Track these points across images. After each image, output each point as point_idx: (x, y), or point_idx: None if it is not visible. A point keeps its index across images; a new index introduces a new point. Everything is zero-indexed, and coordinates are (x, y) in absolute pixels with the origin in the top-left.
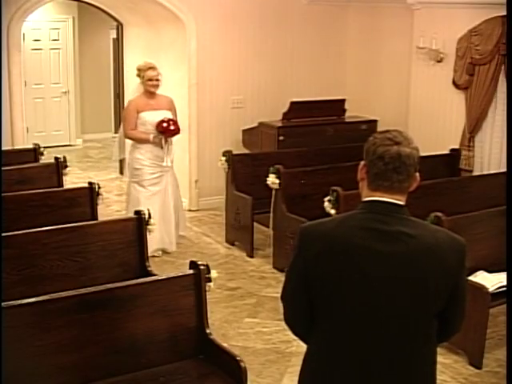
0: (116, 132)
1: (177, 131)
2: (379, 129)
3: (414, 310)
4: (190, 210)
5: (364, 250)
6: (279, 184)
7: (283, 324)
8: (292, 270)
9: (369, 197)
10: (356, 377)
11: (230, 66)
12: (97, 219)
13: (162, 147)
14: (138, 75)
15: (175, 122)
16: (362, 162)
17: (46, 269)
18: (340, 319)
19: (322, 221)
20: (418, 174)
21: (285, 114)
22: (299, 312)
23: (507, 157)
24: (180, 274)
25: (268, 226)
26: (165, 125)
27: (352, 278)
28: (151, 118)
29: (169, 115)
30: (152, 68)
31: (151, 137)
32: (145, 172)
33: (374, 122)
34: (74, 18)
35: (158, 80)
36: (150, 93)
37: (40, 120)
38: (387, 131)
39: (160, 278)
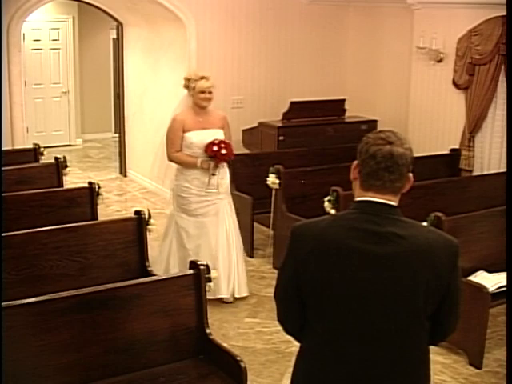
0: (116, 132)
1: (230, 156)
2: (379, 129)
3: (405, 311)
4: None
5: (354, 251)
6: (279, 184)
7: None
8: (284, 270)
9: (361, 197)
10: (357, 377)
11: (229, 66)
12: (97, 219)
13: (212, 174)
14: (187, 86)
15: (228, 145)
16: (355, 162)
17: (45, 269)
18: (332, 319)
19: (313, 220)
20: (411, 175)
21: (285, 114)
22: (291, 311)
23: (507, 157)
24: (180, 273)
25: (268, 226)
26: (215, 148)
27: (342, 279)
28: (199, 139)
29: (220, 135)
30: (205, 78)
31: (199, 162)
32: (192, 201)
33: (374, 122)
34: (74, 18)
35: (210, 92)
36: (199, 108)
37: (40, 120)
38: (381, 131)
39: (160, 278)
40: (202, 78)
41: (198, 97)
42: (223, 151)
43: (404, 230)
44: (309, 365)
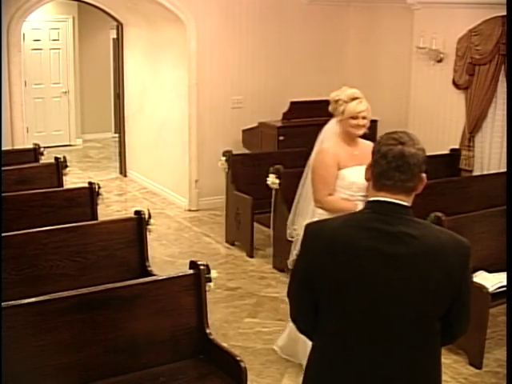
0: (116, 132)
1: None
2: (379, 129)
3: (414, 312)
4: (189, 210)
5: (366, 250)
6: (279, 184)
7: (283, 324)
8: (297, 268)
9: (373, 197)
10: (366, 378)
11: (230, 66)
12: (97, 219)
13: None
14: (334, 109)
15: None
16: (369, 162)
17: (45, 269)
18: (341, 319)
19: (326, 220)
20: (424, 175)
21: (285, 114)
22: (304, 310)
23: (507, 157)
24: (180, 273)
25: (268, 226)
26: None
27: (353, 278)
28: (360, 177)
29: None
30: (357, 99)
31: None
32: None
33: (374, 122)
34: (74, 18)
35: (364, 118)
36: (350, 138)
37: (40, 120)
38: (394, 132)
39: (160, 277)
40: (354, 98)
41: (349, 123)
42: None
43: (416, 230)
44: (319, 363)
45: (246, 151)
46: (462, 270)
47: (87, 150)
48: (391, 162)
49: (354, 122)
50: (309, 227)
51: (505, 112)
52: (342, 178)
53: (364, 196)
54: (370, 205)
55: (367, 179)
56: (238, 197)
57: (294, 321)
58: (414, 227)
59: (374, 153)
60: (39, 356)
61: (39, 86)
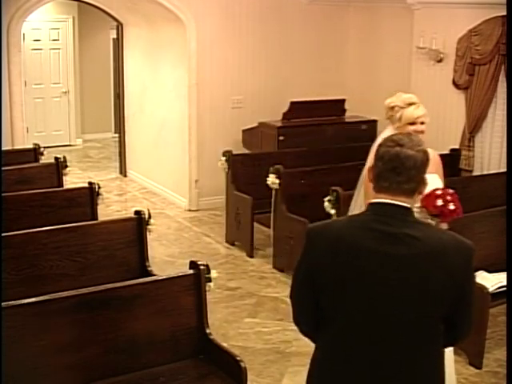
0: (116, 132)
1: (459, 212)
2: (379, 129)
3: (413, 312)
4: (189, 210)
5: (367, 251)
6: (279, 184)
7: (283, 324)
8: (298, 270)
9: (374, 198)
10: (365, 377)
11: (230, 66)
12: (97, 219)
13: None
14: (390, 116)
15: (454, 197)
16: (370, 164)
17: (45, 269)
18: (345, 319)
19: (328, 222)
20: (426, 177)
21: (285, 114)
22: (306, 311)
23: (507, 157)
24: (180, 273)
25: (268, 226)
26: (440, 203)
27: (353, 278)
28: None
29: (438, 182)
30: (414, 104)
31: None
32: None
33: (374, 122)
34: (74, 18)
35: (423, 123)
36: None
37: (40, 120)
38: (397, 134)
39: (160, 277)
40: (411, 104)
41: (407, 130)
42: (451, 206)
43: (418, 231)
44: (320, 363)
45: (246, 151)
46: (464, 271)
47: (87, 150)
48: (387, 163)
49: (413, 127)
50: (310, 229)
51: (505, 112)
52: None
53: (418, 207)
54: (371, 207)
55: (370, 181)
56: (238, 197)
57: (296, 323)
58: (416, 228)
59: (374, 155)
60: (39, 356)
61: (39, 86)
